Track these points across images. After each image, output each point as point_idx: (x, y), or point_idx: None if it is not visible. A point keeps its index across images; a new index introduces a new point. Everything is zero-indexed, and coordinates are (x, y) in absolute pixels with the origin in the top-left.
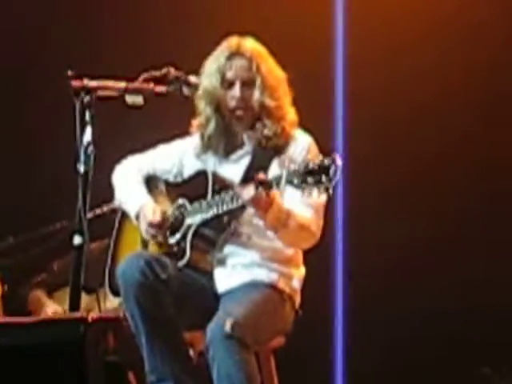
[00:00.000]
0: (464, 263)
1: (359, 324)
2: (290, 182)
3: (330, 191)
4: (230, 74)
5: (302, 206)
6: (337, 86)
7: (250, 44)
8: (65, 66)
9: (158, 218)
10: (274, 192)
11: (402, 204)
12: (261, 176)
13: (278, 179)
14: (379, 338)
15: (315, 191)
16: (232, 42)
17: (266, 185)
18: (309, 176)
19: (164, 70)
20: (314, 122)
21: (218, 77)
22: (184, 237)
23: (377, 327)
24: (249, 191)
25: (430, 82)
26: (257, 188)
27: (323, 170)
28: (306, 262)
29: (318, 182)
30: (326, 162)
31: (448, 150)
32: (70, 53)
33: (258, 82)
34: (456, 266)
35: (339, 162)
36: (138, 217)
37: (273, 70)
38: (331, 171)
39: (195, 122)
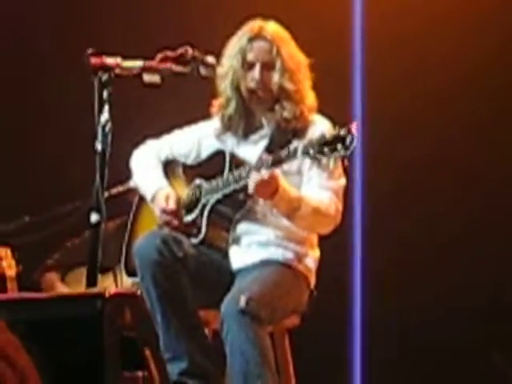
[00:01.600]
0: (480, 256)
1: (377, 310)
2: (306, 152)
3: (346, 161)
4: (250, 56)
5: (320, 189)
6: (355, 73)
7: (272, 27)
8: (82, 44)
9: (171, 205)
10: (276, 174)
11: (421, 193)
12: (264, 157)
13: (294, 150)
14: (396, 323)
15: (331, 161)
16: (255, 24)
17: (269, 163)
18: (325, 146)
19: (181, 50)
20: (332, 108)
21: (239, 58)
22: (200, 215)
23: (394, 313)
24: (252, 180)
25: (452, 68)
26: (258, 170)
27: (339, 139)
28: (323, 247)
29: (333, 151)
30: (342, 132)
31: (470, 139)
32: (86, 31)
33: (278, 64)
34: (473, 258)
35: (355, 131)
36: (153, 200)
37: (293, 54)
38: (347, 140)
39: (216, 102)
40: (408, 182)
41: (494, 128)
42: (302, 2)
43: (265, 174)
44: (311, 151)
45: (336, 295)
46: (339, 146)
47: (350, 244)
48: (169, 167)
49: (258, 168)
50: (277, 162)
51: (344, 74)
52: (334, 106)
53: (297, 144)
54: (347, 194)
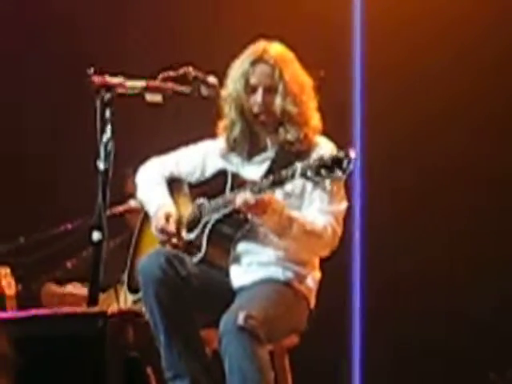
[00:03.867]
0: (478, 269)
1: (376, 327)
2: (303, 174)
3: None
4: (253, 80)
5: (320, 213)
6: (355, 92)
7: (275, 49)
8: (86, 63)
9: (172, 226)
10: (270, 197)
11: (421, 210)
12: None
13: (292, 172)
14: (395, 340)
15: (328, 182)
16: (258, 47)
17: (262, 186)
18: (322, 168)
19: (183, 70)
20: (331, 130)
21: (242, 82)
22: (201, 233)
23: (392, 330)
24: (241, 196)
25: (450, 84)
26: (252, 191)
27: (336, 162)
28: (324, 265)
29: (331, 173)
30: (340, 154)
31: (471, 155)
32: (91, 50)
33: (281, 88)
34: (471, 273)
35: (352, 154)
36: (155, 217)
37: (297, 76)
38: (344, 163)
39: (221, 124)
40: (408, 204)
41: (496, 149)
42: (300, 23)
43: (251, 198)
44: (309, 173)
45: (335, 316)
46: (336, 168)
47: (350, 266)
48: (174, 184)
49: (251, 190)
50: (277, 183)
51: (344, 96)
52: (332, 129)
53: (296, 165)
54: (348, 217)
